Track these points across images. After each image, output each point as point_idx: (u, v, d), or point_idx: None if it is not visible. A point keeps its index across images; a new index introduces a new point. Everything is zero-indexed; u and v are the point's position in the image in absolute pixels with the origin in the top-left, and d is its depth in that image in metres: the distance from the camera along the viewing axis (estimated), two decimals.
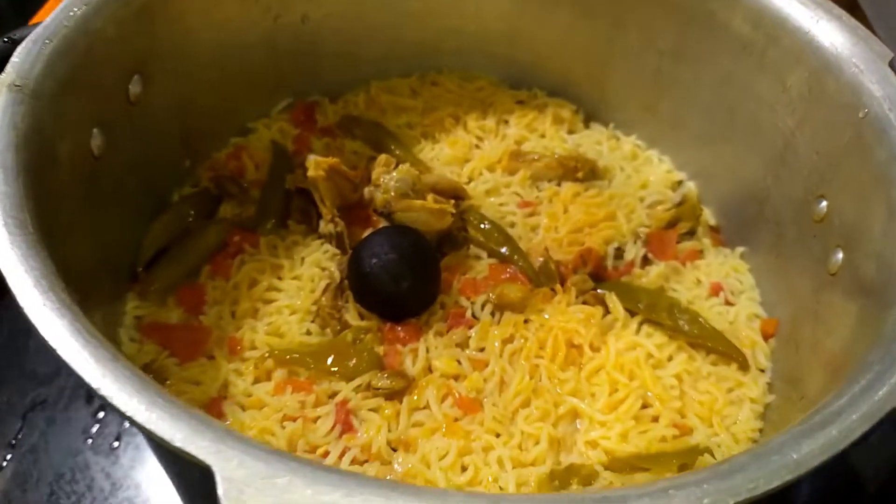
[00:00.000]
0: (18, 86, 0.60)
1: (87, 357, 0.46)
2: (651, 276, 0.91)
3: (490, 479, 0.73)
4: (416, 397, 0.78)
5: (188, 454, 0.44)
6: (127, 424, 0.82)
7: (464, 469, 0.74)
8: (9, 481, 0.79)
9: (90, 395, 0.85)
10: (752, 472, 0.44)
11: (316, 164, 0.88)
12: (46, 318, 0.47)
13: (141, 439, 0.86)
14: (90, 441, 0.84)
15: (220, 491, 0.42)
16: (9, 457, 0.81)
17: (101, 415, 0.85)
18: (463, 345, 0.82)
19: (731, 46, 0.88)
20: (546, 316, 0.84)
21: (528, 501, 0.43)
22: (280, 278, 0.87)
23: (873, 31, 0.76)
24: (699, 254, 0.95)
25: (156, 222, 0.87)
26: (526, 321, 0.84)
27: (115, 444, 0.84)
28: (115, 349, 0.48)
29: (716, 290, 0.91)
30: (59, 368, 0.84)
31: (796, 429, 0.47)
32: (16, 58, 0.62)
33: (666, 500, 0.43)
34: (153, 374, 0.78)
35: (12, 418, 0.85)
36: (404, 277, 0.81)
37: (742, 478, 0.44)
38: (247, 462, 0.43)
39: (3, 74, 0.61)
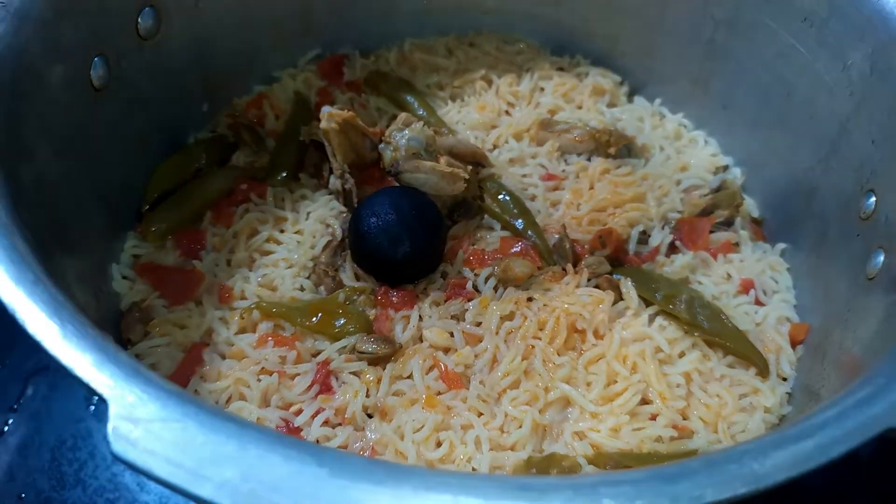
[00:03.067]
0: (2, 3, 0.59)
1: (5, 274, 0.44)
2: (676, 265, 0.83)
3: (463, 458, 0.69)
4: (400, 365, 0.74)
5: (88, 385, 0.41)
6: None
7: (438, 444, 0.70)
8: (10, 447, 0.78)
9: None
10: (700, 479, 0.38)
11: (329, 117, 0.85)
12: None
13: None
14: (92, 408, 0.81)
15: (110, 426, 0.39)
16: (10, 421, 0.80)
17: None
18: (459, 317, 0.78)
19: (791, 17, 0.80)
20: (550, 296, 0.79)
21: (424, 474, 0.38)
22: (282, 231, 0.85)
23: None
24: (734, 247, 0.87)
25: (164, 163, 0.86)
26: (529, 299, 0.79)
27: None
28: (42, 273, 0.46)
29: (746, 288, 0.83)
30: None
31: (767, 438, 0.41)
32: None
33: (594, 498, 0.37)
34: (141, 313, 0.77)
35: (15, 383, 0.83)
36: (402, 242, 0.76)
37: (688, 485, 0.38)
38: (144, 400, 0.40)
39: None
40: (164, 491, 0.76)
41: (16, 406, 0.81)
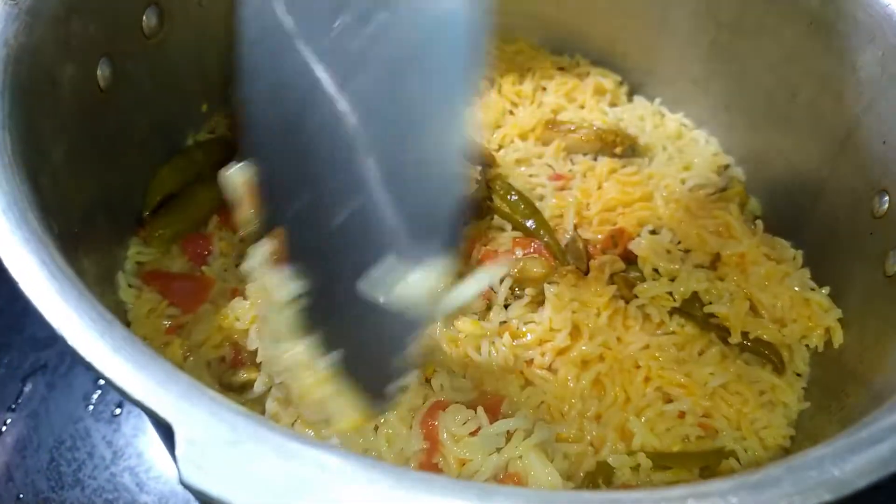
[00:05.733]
0: (14, 1, 0.56)
1: (50, 291, 0.42)
2: (687, 263, 0.84)
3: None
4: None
5: (150, 409, 0.39)
6: None
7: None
8: (8, 447, 0.76)
9: None
10: (786, 488, 0.38)
11: None
12: (11, 247, 0.43)
13: None
14: (91, 408, 0.80)
15: (178, 451, 0.37)
16: (8, 421, 0.78)
17: (102, 381, 0.82)
18: (481, 316, 0.77)
19: (797, 21, 0.81)
20: (568, 297, 0.78)
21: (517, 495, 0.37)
22: None
23: None
24: None
25: (164, 166, 0.83)
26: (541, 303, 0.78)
27: (117, 411, 0.80)
28: (83, 287, 0.44)
29: None
30: None
31: (840, 442, 0.41)
32: None
33: None
34: None
35: (12, 382, 0.81)
36: None
37: (774, 493, 0.38)
38: (212, 423, 0.38)
39: None
40: (163, 491, 0.75)
41: (14, 406, 0.80)
